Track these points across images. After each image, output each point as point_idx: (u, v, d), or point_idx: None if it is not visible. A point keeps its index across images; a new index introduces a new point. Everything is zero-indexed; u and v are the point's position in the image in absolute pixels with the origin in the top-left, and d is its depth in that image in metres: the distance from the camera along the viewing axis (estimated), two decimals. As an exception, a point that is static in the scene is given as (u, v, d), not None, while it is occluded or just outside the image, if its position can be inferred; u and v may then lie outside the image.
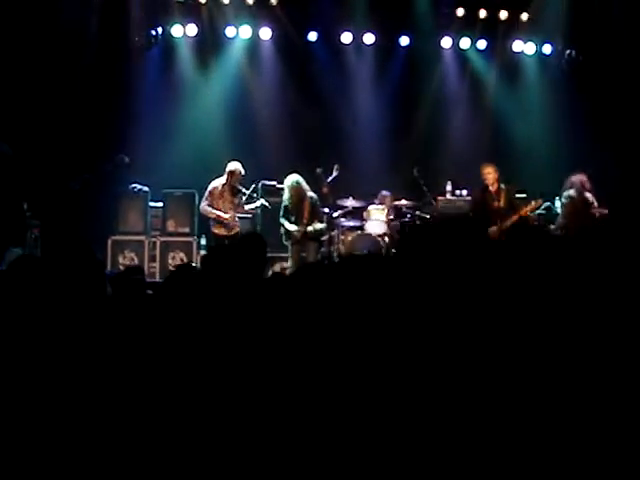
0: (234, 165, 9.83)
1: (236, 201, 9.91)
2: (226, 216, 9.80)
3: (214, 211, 9.84)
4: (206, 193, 9.93)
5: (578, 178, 9.54)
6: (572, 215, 9.26)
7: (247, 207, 10.08)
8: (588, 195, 9.51)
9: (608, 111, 11.53)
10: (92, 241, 9.86)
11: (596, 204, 9.51)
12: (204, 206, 9.93)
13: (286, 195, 9.72)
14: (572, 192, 9.48)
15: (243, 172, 9.84)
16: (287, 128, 11.88)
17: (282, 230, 9.79)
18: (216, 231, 9.87)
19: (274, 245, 10.25)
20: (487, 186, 9.59)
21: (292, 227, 9.70)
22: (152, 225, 10.98)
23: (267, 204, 10.12)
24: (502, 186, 9.56)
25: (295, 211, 9.69)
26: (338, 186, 10.41)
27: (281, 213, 9.79)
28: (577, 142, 11.39)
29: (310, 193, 9.80)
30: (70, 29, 10.70)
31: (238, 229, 9.90)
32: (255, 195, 10.17)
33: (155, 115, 11.41)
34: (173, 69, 11.96)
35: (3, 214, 8.34)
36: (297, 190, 9.64)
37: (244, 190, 9.97)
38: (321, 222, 9.96)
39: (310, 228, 9.71)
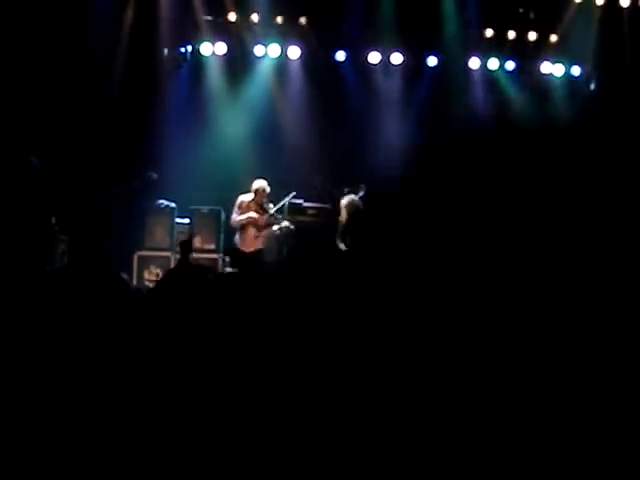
0: (259, 183, 9.92)
1: (261, 220, 9.97)
2: (256, 216, 9.90)
3: (244, 216, 9.93)
4: (235, 206, 10.04)
5: None
6: None
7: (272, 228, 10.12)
8: None
9: (637, 134, 11.47)
10: (119, 256, 9.97)
11: None
12: (235, 217, 10.03)
13: (343, 216, 9.74)
14: None
15: (269, 190, 9.90)
16: (314, 147, 11.90)
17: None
18: (242, 248, 9.89)
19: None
20: None
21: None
22: (179, 241, 11.00)
23: (291, 226, 10.11)
24: None
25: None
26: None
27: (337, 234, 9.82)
28: (601, 163, 11.33)
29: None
30: (101, 46, 10.81)
31: (261, 247, 9.96)
32: (280, 216, 10.18)
33: (183, 132, 11.48)
34: (202, 87, 12.03)
35: (32, 228, 8.41)
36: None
37: (270, 209, 9.99)
38: None
39: None
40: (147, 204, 10.98)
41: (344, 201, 9.76)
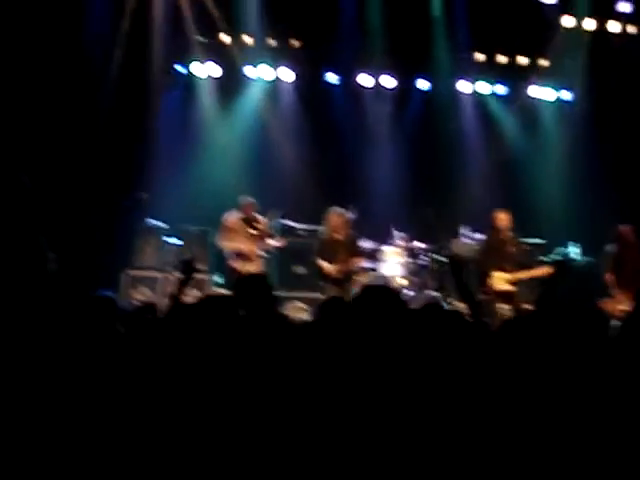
0: (246, 199, 9.80)
1: (255, 232, 9.71)
2: (243, 247, 9.63)
3: (229, 244, 9.73)
4: (220, 227, 9.84)
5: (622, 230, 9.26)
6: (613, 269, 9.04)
7: (269, 241, 9.86)
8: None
9: (628, 159, 11.55)
10: (107, 274, 9.95)
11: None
12: (220, 241, 9.83)
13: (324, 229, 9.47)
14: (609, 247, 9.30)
15: (255, 203, 9.77)
16: (305, 169, 11.94)
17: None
18: (235, 265, 9.64)
19: (288, 285, 10.29)
20: (499, 231, 9.41)
21: (329, 266, 9.26)
22: (167, 261, 11.00)
23: (283, 244, 10.03)
24: (511, 234, 9.34)
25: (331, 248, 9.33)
26: (353, 227, 10.41)
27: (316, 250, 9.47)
28: (595, 190, 11.39)
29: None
30: (93, 65, 10.85)
31: (261, 267, 9.68)
32: (274, 233, 10.09)
33: (174, 153, 11.50)
34: (193, 107, 12.06)
35: (21, 247, 8.38)
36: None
37: (262, 221, 9.83)
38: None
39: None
40: (137, 223, 10.97)
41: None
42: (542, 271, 8.85)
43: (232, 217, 9.83)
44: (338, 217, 9.38)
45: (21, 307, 3.68)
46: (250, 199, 9.83)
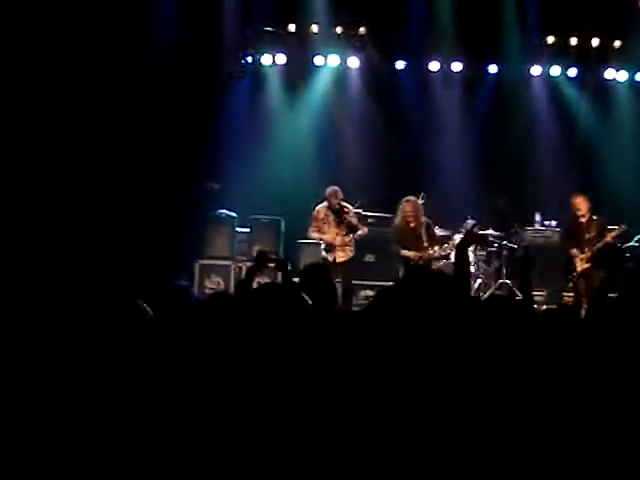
0: (330, 188, 9.76)
1: (343, 224, 9.67)
2: (327, 238, 9.65)
3: (318, 235, 9.76)
4: (312, 219, 9.84)
5: None
6: None
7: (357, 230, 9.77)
8: None
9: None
10: (181, 264, 10.10)
11: None
12: (309, 232, 9.86)
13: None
14: None
15: (341, 193, 9.74)
16: (374, 156, 11.91)
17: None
18: (326, 256, 9.61)
19: (359, 273, 10.30)
20: (578, 216, 9.40)
21: (409, 252, 9.34)
22: (239, 250, 11.12)
23: (365, 233, 9.90)
24: (594, 217, 9.36)
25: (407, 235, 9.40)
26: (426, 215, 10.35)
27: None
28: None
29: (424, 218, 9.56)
30: (163, 56, 10.98)
31: (351, 254, 9.72)
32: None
33: (244, 142, 11.59)
34: (262, 97, 12.13)
35: (99, 237, 8.55)
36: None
37: (350, 209, 9.78)
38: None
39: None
40: (208, 214, 11.10)
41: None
42: (615, 233, 9.00)
43: (320, 208, 9.82)
44: (412, 205, 9.37)
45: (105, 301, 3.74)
46: (334, 187, 9.75)
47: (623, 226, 9.41)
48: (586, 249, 9.24)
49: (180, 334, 3.55)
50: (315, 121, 12.04)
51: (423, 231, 9.31)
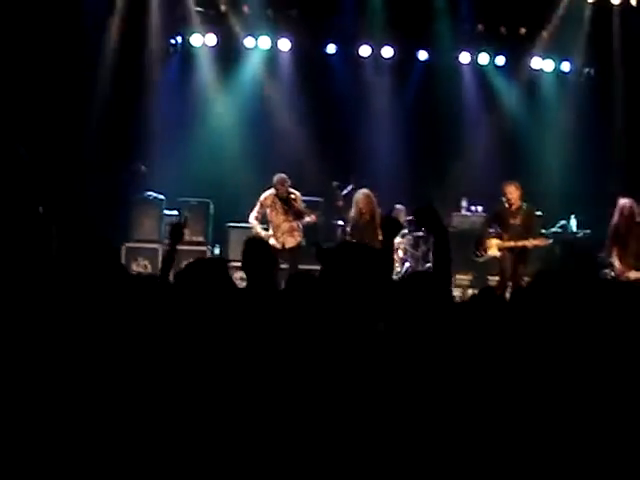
0: (278, 175, 9.63)
1: (291, 211, 9.62)
2: (260, 231, 9.54)
3: (255, 226, 9.65)
4: (257, 204, 9.69)
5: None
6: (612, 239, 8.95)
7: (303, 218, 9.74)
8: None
9: (626, 128, 11.51)
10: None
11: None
12: (251, 217, 9.70)
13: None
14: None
15: (289, 181, 9.63)
16: (304, 140, 11.89)
17: None
18: (272, 242, 9.30)
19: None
20: (507, 202, 9.52)
21: None
22: (167, 233, 10.96)
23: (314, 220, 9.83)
24: (524, 205, 9.47)
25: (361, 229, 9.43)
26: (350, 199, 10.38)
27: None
28: (595, 160, 11.37)
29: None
30: (90, 36, 10.76)
31: (299, 239, 9.66)
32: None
33: (173, 124, 11.44)
34: (191, 78, 11.99)
35: (19, 217, 8.34)
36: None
37: (297, 196, 9.71)
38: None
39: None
40: (135, 196, 10.94)
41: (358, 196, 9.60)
42: (538, 242, 9.12)
43: (268, 194, 9.68)
44: (365, 197, 9.47)
45: (24, 282, 3.65)
46: (282, 175, 9.62)
47: (549, 241, 9.62)
48: (507, 236, 9.36)
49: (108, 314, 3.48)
50: (245, 103, 11.95)
51: (378, 223, 9.33)
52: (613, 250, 8.78)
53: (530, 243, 9.25)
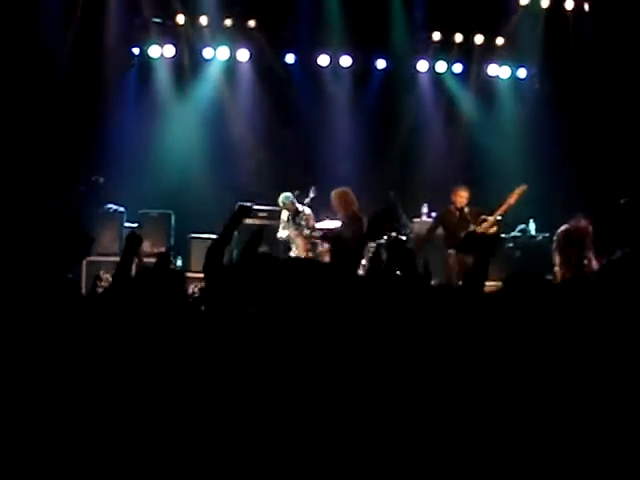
0: (280, 197, 10.06)
1: (299, 226, 10.04)
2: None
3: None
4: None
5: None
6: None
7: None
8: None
9: (584, 136, 11.67)
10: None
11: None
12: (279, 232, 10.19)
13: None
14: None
15: (291, 197, 10.01)
16: (264, 150, 11.91)
17: None
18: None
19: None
20: (454, 206, 9.76)
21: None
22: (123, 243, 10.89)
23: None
24: (466, 209, 9.71)
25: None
26: (315, 208, 10.42)
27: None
28: (551, 165, 11.52)
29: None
30: (46, 48, 10.67)
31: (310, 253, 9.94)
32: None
33: (132, 136, 11.38)
34: (150, 90, 11.93)
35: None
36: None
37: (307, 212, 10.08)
38: None
39: None
40: (95, 209, 10.85)
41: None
42: (515, 195, 9.44)
43: (284, 216, 10.16)
44: (337, 196, 9.79)
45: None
46: (288, 195, 10.01)
47: (524, 186, 9.65)
48: (461, 232, 9.49)
49: (71, 330, 3.47)
50: (205, 114, 11.93)
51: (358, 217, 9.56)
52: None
53: (511, 200, 9.36)
